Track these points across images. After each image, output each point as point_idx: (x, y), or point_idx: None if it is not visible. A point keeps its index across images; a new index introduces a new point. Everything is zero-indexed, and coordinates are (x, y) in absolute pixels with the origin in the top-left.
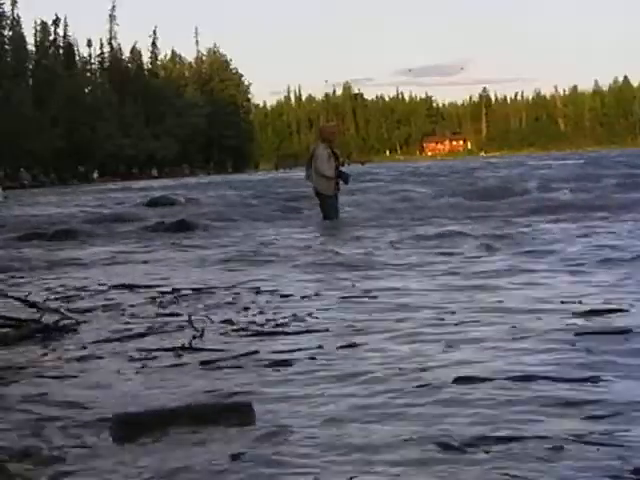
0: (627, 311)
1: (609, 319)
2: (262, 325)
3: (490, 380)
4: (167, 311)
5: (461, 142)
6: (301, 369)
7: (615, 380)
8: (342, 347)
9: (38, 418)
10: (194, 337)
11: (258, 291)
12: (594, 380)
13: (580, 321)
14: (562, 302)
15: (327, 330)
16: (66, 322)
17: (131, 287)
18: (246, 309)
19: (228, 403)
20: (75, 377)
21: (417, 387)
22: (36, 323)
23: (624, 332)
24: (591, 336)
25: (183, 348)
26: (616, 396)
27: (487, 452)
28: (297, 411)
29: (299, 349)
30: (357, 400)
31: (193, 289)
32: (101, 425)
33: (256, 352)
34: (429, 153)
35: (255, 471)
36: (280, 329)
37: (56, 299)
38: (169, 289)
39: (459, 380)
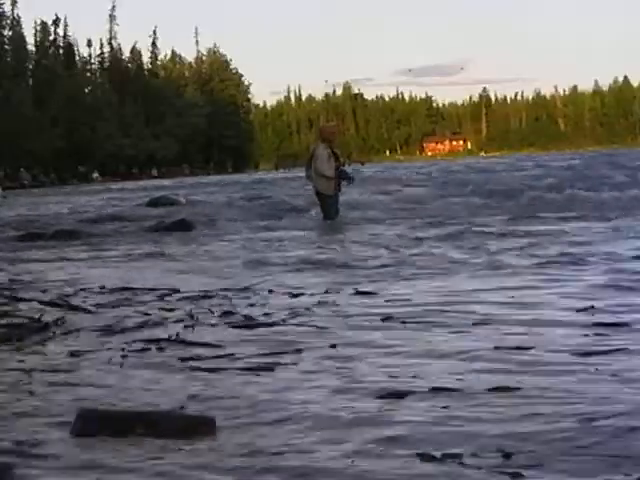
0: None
1: None
2: (260, 321)
3: None
4: (168, 307)
5: (461, 142)
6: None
7: None
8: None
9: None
10: (186, 327)
11: (258, 290)
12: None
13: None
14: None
15: (324, 327)
16: (65, 321)
17: (131, 286)
18: (246, 305)
19: (189, 415)
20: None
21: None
22: (36, 322)
23: None
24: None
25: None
26: None
27: None
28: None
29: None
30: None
31: (193, 288)
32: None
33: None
34: (429, 153)
35: None
36: (274, 321)
37: (55, 299)
38: (169, 288)
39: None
